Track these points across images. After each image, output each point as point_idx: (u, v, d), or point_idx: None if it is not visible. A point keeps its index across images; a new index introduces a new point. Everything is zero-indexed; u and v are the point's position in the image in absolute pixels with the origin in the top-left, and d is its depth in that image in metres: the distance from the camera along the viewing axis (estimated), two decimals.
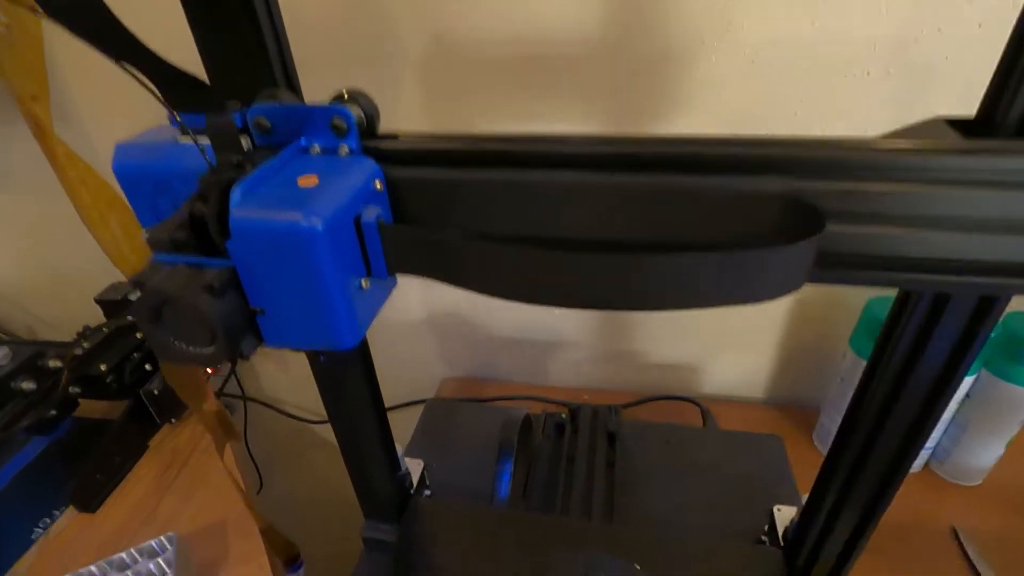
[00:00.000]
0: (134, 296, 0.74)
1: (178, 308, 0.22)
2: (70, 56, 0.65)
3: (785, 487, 0.56)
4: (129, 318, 0.72)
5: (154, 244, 0.24)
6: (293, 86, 0.29)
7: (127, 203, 0.34)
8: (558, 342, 0.76)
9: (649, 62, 0.55)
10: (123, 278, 0.72)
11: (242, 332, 0.23)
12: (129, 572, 0.49)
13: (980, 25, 0.47)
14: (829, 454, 0.39)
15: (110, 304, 0.73)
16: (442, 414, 0.69)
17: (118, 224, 0.33)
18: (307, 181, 0.23)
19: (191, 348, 0.23)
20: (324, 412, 0.98)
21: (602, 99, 0.58)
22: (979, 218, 0.22)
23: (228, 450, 0.67)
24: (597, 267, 0.20)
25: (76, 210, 0.33)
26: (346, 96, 0.26)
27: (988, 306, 0.27)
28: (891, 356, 0.32)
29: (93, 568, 0.50)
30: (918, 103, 0.51)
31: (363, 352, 0.40)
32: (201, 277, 0.22)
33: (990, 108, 0.24)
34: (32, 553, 0.58)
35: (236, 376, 0.91)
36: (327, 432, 0.99)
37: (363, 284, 0.24)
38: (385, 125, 0.63)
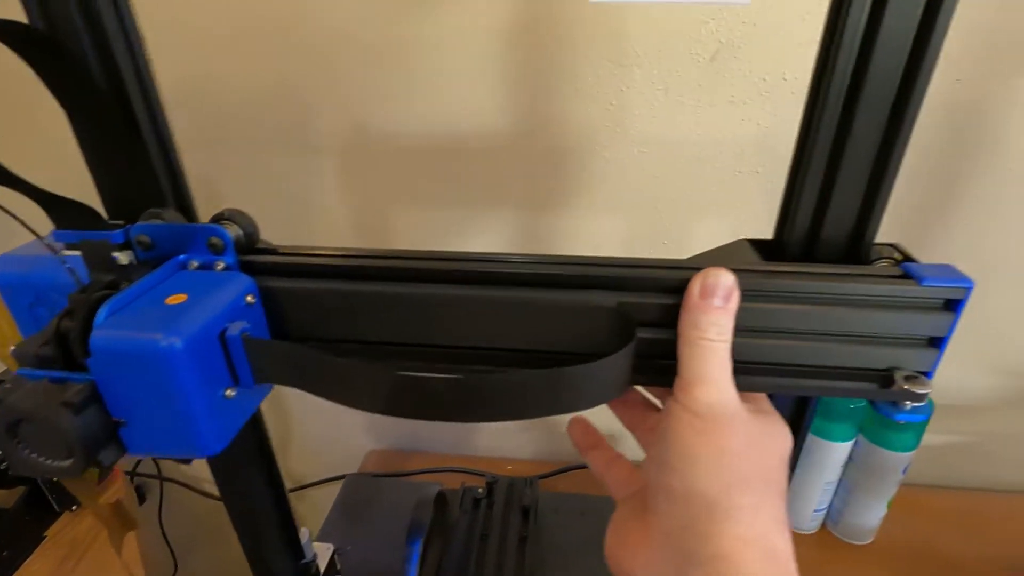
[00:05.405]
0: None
1: (35, 424, 0.23)
2: None
3: None
4: None
5: (20, 359, 0.25)
6: (184, 202, 0.31)
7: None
8: None
9: (552, 155, 0.60)
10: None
11: (102, 444, 0.24)
12: None
13: None
14: None
15: None
16: (360, 491, 0.68)
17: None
18: (176, 299, 0.25)
19: (48, 461, 0.24)
20: None
21: (513, 186, 0.63)
22: (776, 328, 0.26)
23: (132, 539, 0.64)
24: (430, 387, 0.23)
25: None
26: (225, 216, 0.29)
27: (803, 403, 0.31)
28: None
29: None
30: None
31: (258, 436, 0.40)
32: (61, 393, 0.23)
33: (780, 231, 0.29)
34: None
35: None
36: None
37: (228, 394, 0.26)
38: (304, 209, 0.67)
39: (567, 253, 0.67)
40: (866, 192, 0.26)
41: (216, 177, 0.67)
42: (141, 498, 0.90)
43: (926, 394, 0.26)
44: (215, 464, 0.40)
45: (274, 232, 0.72)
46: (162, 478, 0.89)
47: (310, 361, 0.24)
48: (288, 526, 0.45)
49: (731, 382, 0.25)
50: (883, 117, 0.25)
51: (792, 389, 0.27)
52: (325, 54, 0.58)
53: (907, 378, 0.26)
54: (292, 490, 0.82)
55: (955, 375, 0.66)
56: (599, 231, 0.63)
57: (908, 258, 0.27)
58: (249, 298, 0.27)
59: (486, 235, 0.66)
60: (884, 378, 0.27)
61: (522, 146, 0.60)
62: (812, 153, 0.26)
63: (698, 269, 0.26)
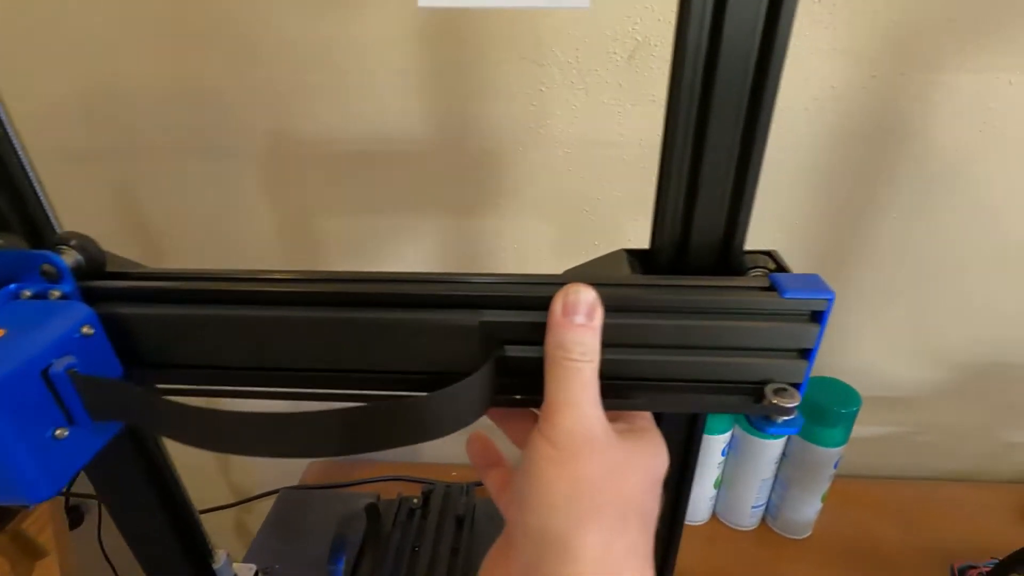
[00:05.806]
0: None
1: None
2: None
3: None
4: None
5: None
6: (35, 225, 0.29)
7: None
8: None
9: (478, 157, 0.59)
10: None
11: None
12: None
13: None
14: None
15: None
16: (294, 506, 0.66)
17: None
18: None
19: None
20: None
21: (440, 190, 0.61)
22: (645, 342, 0.25)
23: (51, 565, 0.61)
24: (257, 426, 0.21)
25: None
26: (65, 240, 0.27)
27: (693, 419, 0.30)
28: None
29: None
30: None
31: (145, 455, 0.38)
32: None
33: (654, 239, 0.28)
34: None
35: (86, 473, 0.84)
36: None
37: (58, 434, 0.24)
38: (226, 216, 0.64)
39: (498, 257, 0.65)
40: (731, 197, 0.26)
41: (133, 187, 0.64)
42: (79, 519, 0.87)
43: (795, 407, 0.25)
44: (98, 490, 0.38)
45: (195, 242, 0.70)
46: (100, 498, 0.85)
47: (138, 398, 0.23)
48: (195, 548, 0.44)
49: (595, 404, 0.24)
50: (738, 114, 0.24)
51: (664, 405, 0.26)
52: (240, 54, 0.56)
53: (776, 391, 0.25)
54: (235, 504, 0.80)
55: (885, 368, 0.66)
56: (529, 234, 0.62)
57: (781, 267, 0.27)
58: (86, 329, 0.25)
59: (414, 240, 0.64)
60: (757, 391, 0.26)
61: (447, 148, 0.58)
62: (673, 158, 0.25)
63: (562, 284, 0.25)
